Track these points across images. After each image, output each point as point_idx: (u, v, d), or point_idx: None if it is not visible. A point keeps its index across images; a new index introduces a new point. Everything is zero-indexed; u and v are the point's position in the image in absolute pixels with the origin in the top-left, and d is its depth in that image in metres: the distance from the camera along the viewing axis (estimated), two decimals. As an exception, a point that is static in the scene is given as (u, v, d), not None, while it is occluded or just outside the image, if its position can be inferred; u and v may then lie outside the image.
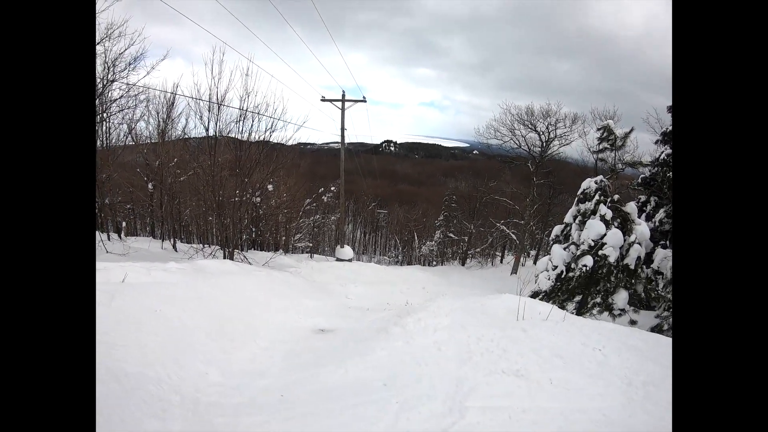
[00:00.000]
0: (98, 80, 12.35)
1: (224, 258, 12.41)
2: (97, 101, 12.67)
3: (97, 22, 10.94)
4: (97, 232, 13.70)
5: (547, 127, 23.33)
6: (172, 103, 18.83)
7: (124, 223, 18.22)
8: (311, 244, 28.85)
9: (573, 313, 8.13)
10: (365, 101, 19.50)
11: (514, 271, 23.47)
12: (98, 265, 6.97)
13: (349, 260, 19.00)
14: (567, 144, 23.59)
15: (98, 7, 10.61)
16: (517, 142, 24.24)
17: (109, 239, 13.48)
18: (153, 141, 18.89)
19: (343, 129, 18.98)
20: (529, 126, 23.62)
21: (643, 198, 10.60)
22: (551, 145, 23.74)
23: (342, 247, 19.76)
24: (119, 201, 18.32)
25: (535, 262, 25.60)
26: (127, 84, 13.27)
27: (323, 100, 18.97)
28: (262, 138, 13.45)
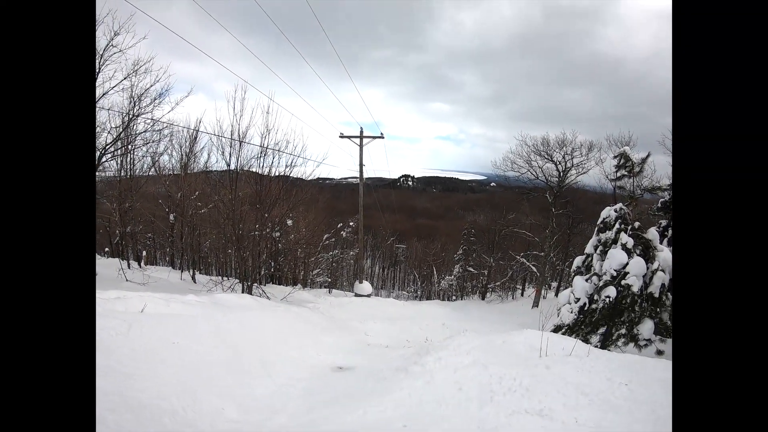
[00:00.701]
0: (124, 114, 12.91)
1: (243, 292, 12.43)
2: (122, 134, 13.11)
3: (124, 58, 11.58)
4: (117, 260, 13.95)
5: (563, 157, 23.14)
6: (195, 138, 19.49)
7: (144, 252, 18.53)
8: (330, 279, 28.79)
9: (597, 346, 7.90)
10: (383, 137, 19.73)
11: (536, 304, 23.01)
12: (117, 293, 7.06)
13: (368, 296, 18.89)
14: (584, 172, 23.25)
15: (126, 43, 11.26)
16: (534, 173, 24.04)
17: (129, 267, 13.66)
18: (175, 173, 19.42)
19: (361, 165, 19.18)
20: (546, 156, 23.48)
21: (664, 223, 10.37)
22: (568, 174, 23.44)
23: (361, 282, 19.67)
24: (140, 230, 18.68)
25: (556, 295, 25.07)
26: (152, 119, 13.72)
27: (342, 136, 19.27)
28: (282, 173, 13.70)
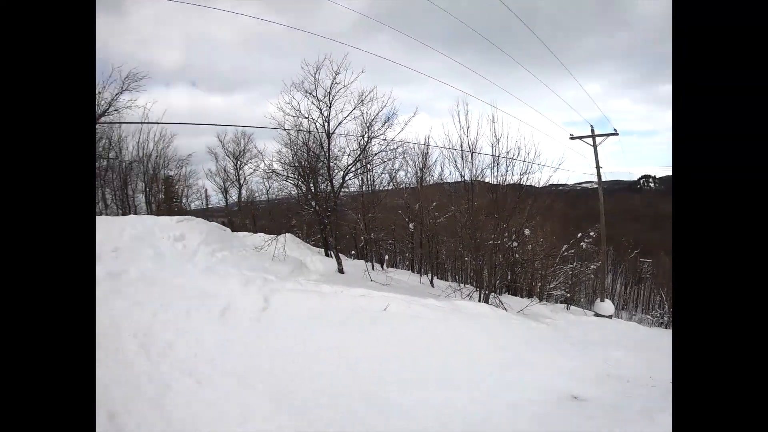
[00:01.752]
0: (359, 137, 15.35)
1: (479, 300, 12.61)
2: (360, 155, 15.69)
3: (349, 92, 14.15)
4: (362, 262, 16.19)
5: None
6: (426, 154, 21.79)
7: (386, 256, 20.72)
8: (568, 294, 27.20)
9: None
10: (617, 134, 17.87)
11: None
12: (363, 291, 7.91)
13: (609, 317, 17.21)
14: None
15: (347, 78, 13.84)
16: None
17: (373, 269, 15.35)
18: (412, 186, 22.06)
19: (598, 167, 17.66)
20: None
21: None
22: None
23: (602, 300, 18.08)
24: (382, 236, 21.34)
25: None
26: (385, 140, 15.79)
27: (572, 138, 18.14)
28: (515, 181, 13.96)
